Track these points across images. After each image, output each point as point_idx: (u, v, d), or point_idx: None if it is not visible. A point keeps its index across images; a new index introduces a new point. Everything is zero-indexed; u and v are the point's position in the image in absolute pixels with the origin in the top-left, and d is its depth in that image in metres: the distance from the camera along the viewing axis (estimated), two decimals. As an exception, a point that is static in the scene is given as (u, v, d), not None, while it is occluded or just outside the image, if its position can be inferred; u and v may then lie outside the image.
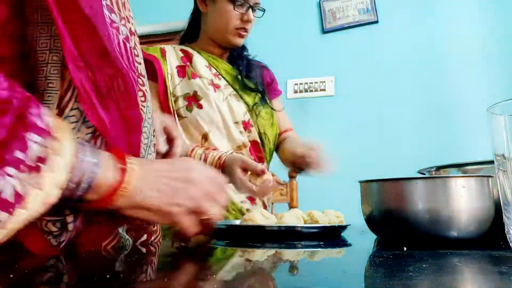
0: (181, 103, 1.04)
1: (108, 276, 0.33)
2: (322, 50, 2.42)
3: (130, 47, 0.48)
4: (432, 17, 2.29)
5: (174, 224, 0.45)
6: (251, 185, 0.86)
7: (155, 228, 0.56)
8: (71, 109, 0.40)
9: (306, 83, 2.39)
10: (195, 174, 0.45)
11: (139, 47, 0.52)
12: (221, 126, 1.05)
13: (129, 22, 0.48)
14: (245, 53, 1.19)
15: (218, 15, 1.06)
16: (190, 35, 1.16)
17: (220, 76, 1.11)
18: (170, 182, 0.43)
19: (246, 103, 1.10)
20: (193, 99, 1.05)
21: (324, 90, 2.37)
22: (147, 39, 2.68)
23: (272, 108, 1.17)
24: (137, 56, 0.51)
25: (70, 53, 0.39)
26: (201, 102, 1.05)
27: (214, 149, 0.97)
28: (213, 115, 1.04)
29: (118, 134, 0.43)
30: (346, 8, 2.43)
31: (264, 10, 1.10)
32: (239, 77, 1.12)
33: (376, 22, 2.37)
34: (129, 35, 0.48)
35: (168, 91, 1.05)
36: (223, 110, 1.06)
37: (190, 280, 0.31)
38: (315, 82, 2.39)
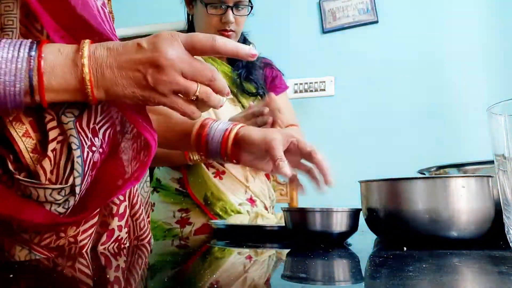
0: None
1: (108, 276, 0.33)
2: (322, 50, 2.42)
3: (107, 12, 0.48)
4: (432, 17, 2.29)
5: (172, 107, 0.43)
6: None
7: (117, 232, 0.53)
8: None
9: (306, 83, 2.39)
10: (162, 56, 0.40)
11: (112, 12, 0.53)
12: None
13: None
14: None
15: (199, 18, 1.04)
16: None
17: None
18: (139, 69, 0.39)
19: (243, 106, 1.08)
20: None
21: (324, 90, 2.37)
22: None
23: None
24: (113, 20, 0.51)
25: (50, 25, 0.39)
26: None
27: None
28: None
29: None
30: (346, 8, 2.43)
31: (252, 7, 1.06)
32: (238, 80, 1.09)
33: (376, 22, 2.37)
34: (105, 1, 0.48)
35: None
36: (220, 114, 1.04)
37: (190, 280, 0.31)
38: (315, 82, 2.39)
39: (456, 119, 2.17)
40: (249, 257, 0.45)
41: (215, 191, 1.01)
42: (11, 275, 0.32)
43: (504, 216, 0.34)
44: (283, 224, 0.61)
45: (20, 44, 0.37)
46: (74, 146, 0.41)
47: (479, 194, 0.46)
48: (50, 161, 0.40)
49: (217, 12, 1.01)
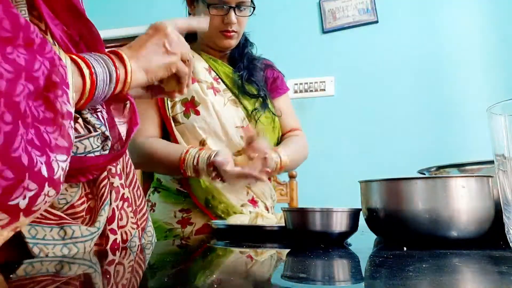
0: (179, 108, 1.02)
1: (107, 275, 0.33)
2: (322, 50, 2.42)
3: None
4: (432, 17, 2.29)
5: (177, 71, 0.57)
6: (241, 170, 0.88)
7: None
8: None
9: (306, 83, 2.39)
10: (166, 29, 0.56)
11: None
12: (220, 131, 1.03)
13: None
14: (247, 50, 1.15)
15: None
16: (190, 35, 1.12)
17: (219, 80, 1.08)
18: (157, 43, 0.55)
19: (245, 108, 1.07)
20: (191, 105, 1.03)
21: (324, 90, 2.37)
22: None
23: (273, 113, 1.12)
24: None
25: (48, 14, 0.47)
26: (199, 108, 1.02)
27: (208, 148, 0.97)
28: (211, 121, 1.02)
29: None
30: (346, 8, 2.43)
31: (254, 7, 1.05)
32: (239, 81, 1.08)
33: (376, 22, 2.37)
34: None
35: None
36: (222, 116, 1.03)
37: (190, 280, 0.31)
38: (315, 82, 2.39)
39: (456, 119, 2.17)
40: (249, 257, 0.45)
41: (216, 193, 1.00)
42: (11, 275, 0.32)
43: (504, 216, 0.34)
44: (283, 224, 0.61)
45: (101, 58, 0.48)
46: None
47: (479, 194, 0.47)
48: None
49: (219, 12, 1.00)
